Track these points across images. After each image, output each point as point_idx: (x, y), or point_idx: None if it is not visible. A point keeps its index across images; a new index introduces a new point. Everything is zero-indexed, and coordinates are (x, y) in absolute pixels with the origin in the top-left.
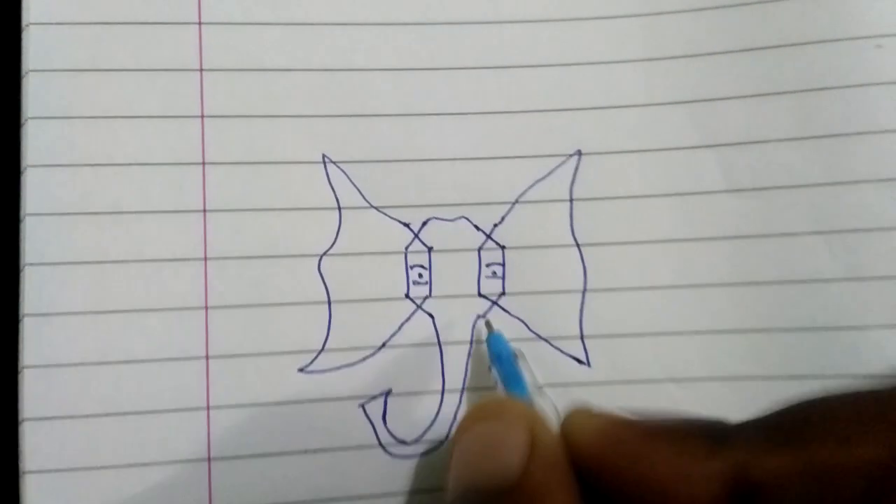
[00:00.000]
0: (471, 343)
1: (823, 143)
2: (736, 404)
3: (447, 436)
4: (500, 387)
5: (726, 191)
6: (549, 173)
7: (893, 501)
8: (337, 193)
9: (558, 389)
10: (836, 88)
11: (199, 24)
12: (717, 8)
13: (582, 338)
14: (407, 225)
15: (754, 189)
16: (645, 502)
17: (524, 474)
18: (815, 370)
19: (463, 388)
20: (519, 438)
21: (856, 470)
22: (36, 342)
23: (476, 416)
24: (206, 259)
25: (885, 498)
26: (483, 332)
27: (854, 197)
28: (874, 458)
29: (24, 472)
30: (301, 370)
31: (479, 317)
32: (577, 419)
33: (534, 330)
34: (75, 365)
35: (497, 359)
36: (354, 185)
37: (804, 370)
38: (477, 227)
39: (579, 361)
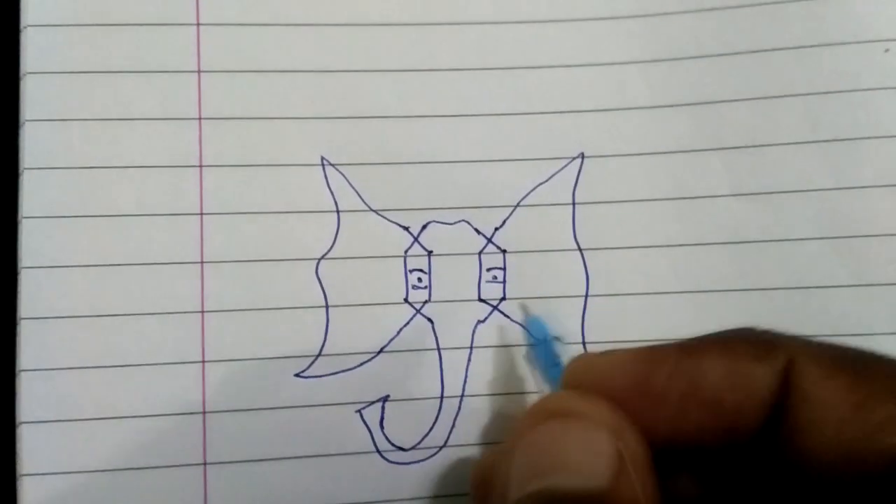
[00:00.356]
0: (471, 348)
1: (830, 147)
2: None
3: (445, 442)
4: (538, 370)
5: (731, 195)
6: (552, 176)
7: None
8: (335, 196)
9: None
10: (843, 92)
11: (197, 25)
12: (723, 9)
13: (584, 343)
14: (406, 228)
15: (760, 193)
16: (698, 416)
17: (614, 482)
18: None
19: (462, 395)
20: (603, 443)
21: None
22: (33, 346)
23: (545, 413)
24: (202, 262)
25: None
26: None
27: (861, 202)
28: None
29: (21, 475)
30: (298, 375)
31: (479, 322)
32: (592, 363)
33: (535, 336)
34: (72, 368)
35: (538, 342)
36: (353, 188)
37: None
38: (477, 231)
39: None
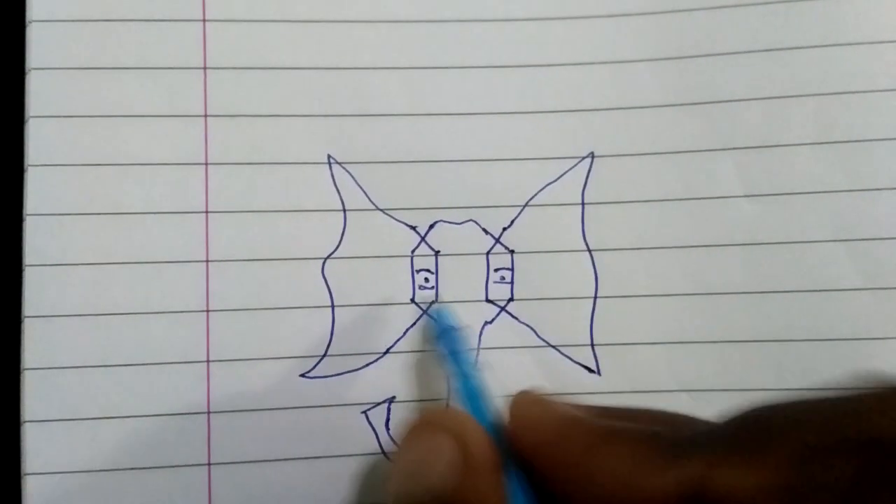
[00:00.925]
0: (478, 350)
1: (844, 148)
2: None
3: None
4: (442, 362)
5: (743, 196)
6: (561, 176)
7: None
8: (342, 195)
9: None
10: (857, 93)
11: (204, 21)
12: (736, 6)
13: (592, 346)
14: (413, 228)
15: (772, 194)
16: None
17: (454, 489)
18: (834, 382)
19: None
20: (450, 452)
21: (822, 491)
22: (37, 344)
23: (412, 432)
24: (207, 261)
25: None
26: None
27: (875, 204)
28: (843, 479)
29: (25, 474)
30: (303, 375)
31: (486, 323)
32: (525, 407)
33: (542, 337)
34: (76, 367)
35: (443, 331)
36: (360, 187)
37: (823, 382)
38: (485, 231)
39: (589, 370)
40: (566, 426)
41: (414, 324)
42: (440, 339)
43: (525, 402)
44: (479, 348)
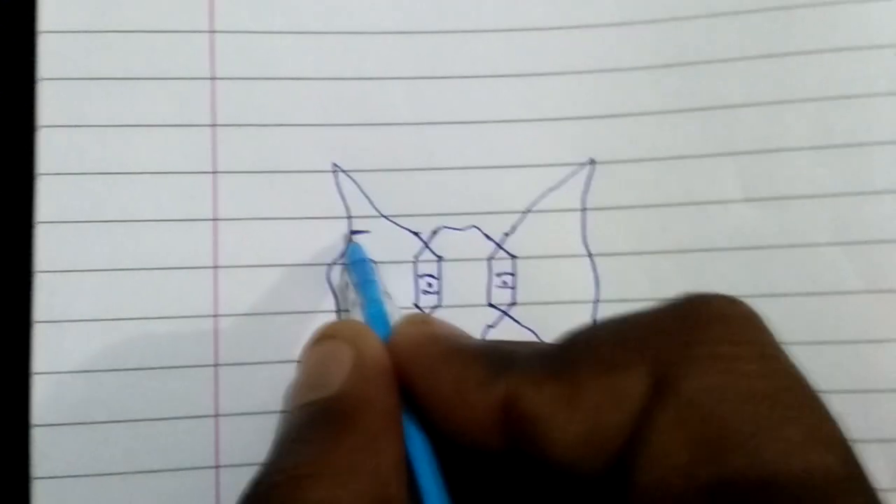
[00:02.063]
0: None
1: (844, 152)
2: None
3: None
4: (351, 289)
5: (743, 200)
6: (562, 182)
7: (653, 433)
8: (346, 202)
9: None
10: (856, 97)
11: (212, 32)
12: (734, 14)
13: None
14: (417, 234)
15: (772, 199)
16: (436, 416)
17: (343, 389)
18: (835, 385)
19: None
20: (343, 356)
21: (618, 402)
22: (47, 349)
23: (313, 341)
24: (216, 267)
25: (646, 431)
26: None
27: (875, 207)
28: (636, 390)
29: (34, 478)
30: None
31: (489, 327)
32: (406, 327)
33: (544, 341)
34: (86, 372)
35: (353, 263)
36: (364, 194)
37: (824, 385)
38: (488, 237)
39: None
40: (425, 341)
41: None
42: (350, 268)
43: (407, 322)
44: None
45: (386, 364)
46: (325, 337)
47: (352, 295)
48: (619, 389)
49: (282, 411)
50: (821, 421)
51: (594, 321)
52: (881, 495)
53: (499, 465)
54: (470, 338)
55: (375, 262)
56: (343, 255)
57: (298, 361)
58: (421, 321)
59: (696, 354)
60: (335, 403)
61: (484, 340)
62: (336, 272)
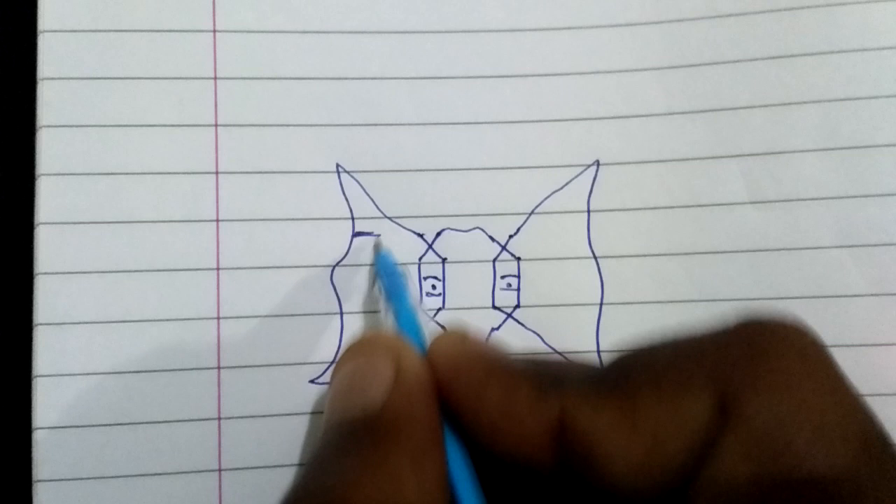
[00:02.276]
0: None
1: (849, 154)
2: None
3: None
4: (382, 300)
5: (749, 202)
6: (567, 184)
7: (717, 460)
8: (350, 203)
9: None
10: (862, 99)
11: (214, 31)
12: (740, 15)
13: (598, 352)
14: (421, 235)
15: (778, 201)
16: (482, 435)
17: (385, 405)
18: None
19: None
20: (384, 371)
21: (681, 425)
22: (49, 351)
23: (348, 354)
24: (218, 269)
25: (710, 458)
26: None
27: (881, 210)
28: (699, 413)
29: (36, 481)
30: (313, 381)
31: (493, 329)
32: (444, 343)
33: (549, 343)
34: (88, 374)
35: (384, 272)
36: (368, 195)
37: None
38: (492, 238)
39: None
40: (467, 360)
41: None
42: (381, 278)
43: (445, 337)
44: None
45: (427, 380)
46: (362, 350)
47: (383, 303)
48: (681, 412)
49: (286, 414)
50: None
51: (648, 343)
52: None
53: (544, 485)
54: (513, 356)
55: (406, 270)
56: (372, 261)
57: (333, 376)
58: (459, 338)
59: (767, 382)
60: (378, 420)
61: (528, 359)
62: (339, 273)
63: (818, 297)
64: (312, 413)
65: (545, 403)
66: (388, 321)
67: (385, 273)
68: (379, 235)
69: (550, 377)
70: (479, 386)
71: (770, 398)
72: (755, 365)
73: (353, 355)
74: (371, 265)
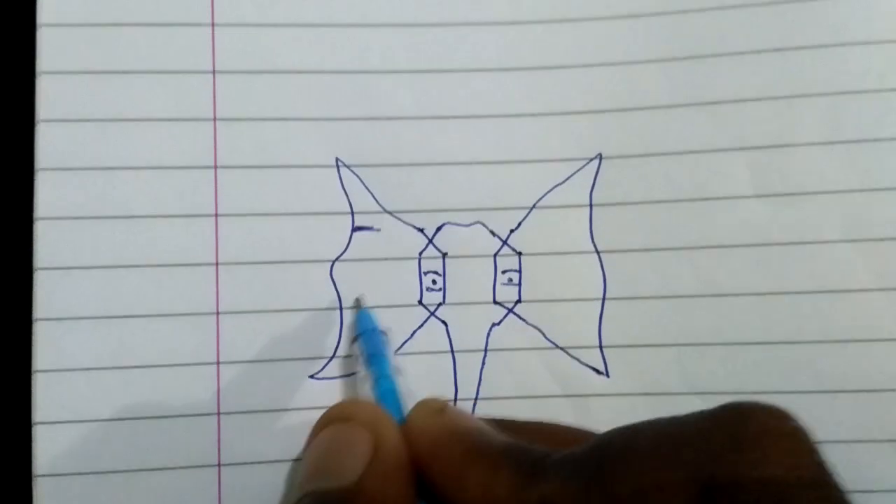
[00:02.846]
0: (485, 352)
1: (856, 147)
2: None
3: None
4: (361, 361)
5: (754, 196)
6: (569, 178)
7: None
8: (350, 197)
9: (575, 400)
10: (868, 92)
11: (213, 25)
12: (744, 6)
13: (601, 347)
14: (421, 230)
15: (783, 194)
16: None
17: (362, 479)
18: (846, 384)
19: (476, 397)
20: (362, 445)
21: None
22: (48, 346)
23: (327, 420)
24: (217, 264)
25: None
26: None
27: (887, 204)
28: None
29: (36, 476)
30: (312, 376)
31: (494, 325)
32: (422, 416)
33: (550, 339)
34: (87, 369)
35: (364, 333)
36: (368, 190)
37: (835, 385)
38: (493, 233)
39: (598, 372)
40: (447, 438)
41: (421, 325)
42: (361, 339)
43: (422, 409)
44: (486, 350)
45: (405, 457)
46: (339, 418)
47: (361, 369)
48: None
49: (285, 409)
50: None
51: (627, 427)
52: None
53: None
54: (493, 433)
55: (385, 334)
56: (353, 323)
57: (307, 442)
58: (437, 411)
59: (745, 479)
60: (350, 496)
61: (508, 440)
62: (339, 268)
63: (824, 291)
64: (311, 408)
65: (525, 492)
66: (365, 385)
67: (365, 335)
68: (379, 230)
69: (531, 461)
70: (460, 467)
71: (751, 493)
72: (737, 456)
73: (332, 423)
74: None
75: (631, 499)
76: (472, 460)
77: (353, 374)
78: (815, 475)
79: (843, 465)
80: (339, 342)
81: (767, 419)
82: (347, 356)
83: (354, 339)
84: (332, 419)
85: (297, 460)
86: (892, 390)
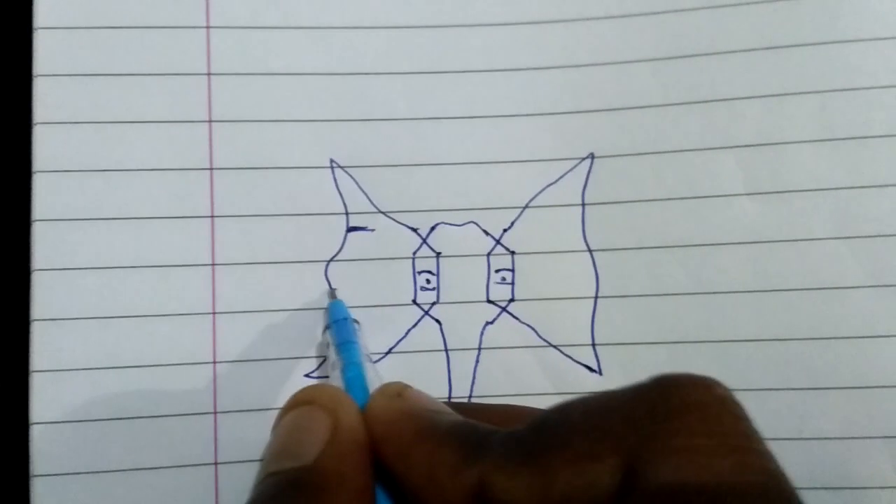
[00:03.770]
0: (479, 350)
1: (846, 145)
2: (757, 419)
3: None
4: (332, 350)
5: (745, 194)
6: (561, 177)
7: None
8: (344, 198)
9: (569, 398)
10: (859, 90)
11: (208, 27)
12: (735, 5)
13: (593, 345)
14: (415, 230)
15: (774, 192)
16: (409, 497)
17: (319, 458)
18: (838, 381)
19: (470, 396)
20: (321, 426)
21: (589, 494)
22: (46, 347)
23: (291, 404)
24: (213, 264)
25: None
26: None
27: (878, 201)
28: (606, 482)
29: (33, 476)
30: (307, 375)
31: (487, 323)
32: (379, 401)
33: (544, 337)
34: (84, 369)
35: (335, 322)
36: (362, 190)
37: (827, 382)
38: (486, 233)
39: (590, 369)
40: (399, 419)
41: (416, 324)
42: (332, 328)
43: (382, 393)
44: (480, 348)
45: (363, 437)
46: (302, 402)
47: (332, 356)
48: (590, 481)
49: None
50: None
51: (566, 402)
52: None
53: None
54: (445, 413)
55: (358, 322)
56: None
57: (274, 426)
58: (395, 393)
59: (667, 447)
60: (307, 475)
61: (458, 419)
62: (333, 268)
63: (815, 288)
64: (282, 408)
65: (465, 470)
66: (335, 372)
67: (335, 323)
68: (373, 230)
69: (474, 441)
70: (407, 447)
71: (671, 462)
72: (657, 427)
73: (295, 407)
74: (325, 309)
75: (561, 470)
76: (419, 439)
77: (324, 358)
78: (737, 443)
79: (835, 461)
80: None
81: (691, 390)
82: (321, 356)
83: (325, 329)
84: (296, 403)
85: None
86: (884, 387)
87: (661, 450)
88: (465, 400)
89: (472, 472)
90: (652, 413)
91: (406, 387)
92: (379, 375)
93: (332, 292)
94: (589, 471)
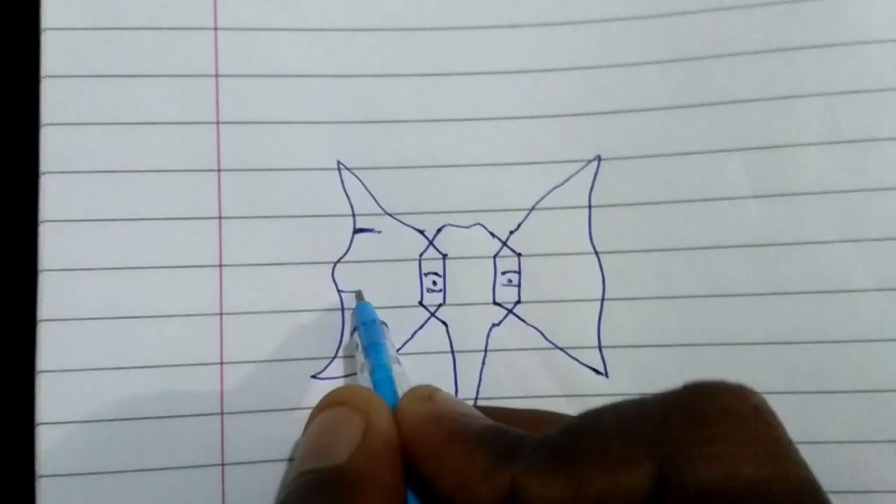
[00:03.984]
0: (485, 352)
1: (853, 147)
2: None
3: None
4: (359, 352)
5: (752, 196)
6: (568, 179)
7: None
8: (351, 200)
9: (574, 400)
10: (865, 92)
11: (215, 29)
12: (742, 7)
13: (600, 348)
14: (421, 232)
15: (781, 195)
16: (441, 499)
17: (351, 459)
18: (845, 385)
19: (476, 397)
20: (354, 427)
21: (623, 500)
22: (52, 347)
23: (323, 404)
24: (221, 266)
25: None
26: (353, 302)
27: (886, 204)
28: (641, 488)
29: (39, 476)
30: (314, 376)
31: (494, 325)
32: (411, 402)
33: (550, 339)
34: (91, 370)
35: (362, 324)
36: (369, 192)
37: (834, 385)
38: (493, 234)
39: (597, 372)
40: (430, 422)
41: (422, 326)
42: (359, 330)
43: (413, 395)
44: (486, 350)
45: (395, 439)
46: (335, 403)
47: (360, 358)
48: (624, 486)
49: (288, 409)
50: None
51: (598, 408)
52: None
53: None
54: (475, 417)
55: (386, 324)
56: (353, 314)
57: (306, 426)
58: (426, 396)
59: (702, 454)
60: (340, 475)
61: (488, 423)
62: (341, 270)
63: (822, 291)
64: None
65: (498, 473)
66: (364, 373)
67: (363, 325)
68: (380, 232)
69: (506, 445)
70: (438, 450)
71: (705, 469)
72: (692, 434)
73: (327, 407)
74: (353, 310)
75: (595, 475)
76: (450, 442)
77: (353, 374)
78: (771, 451)
79: (843, 465)
80: (340, 343)
81: (726, 398)
82: (349, 356)
83: (354, 331)
84: (328, 404)
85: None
86: (892, 390)
87: (696, 457)
88: (472, 402)
89: (505, 476)
90: (686, 420)
91: (436, 389)
92: (407, 378)
93: (359, 294)
94: (623, 476)
